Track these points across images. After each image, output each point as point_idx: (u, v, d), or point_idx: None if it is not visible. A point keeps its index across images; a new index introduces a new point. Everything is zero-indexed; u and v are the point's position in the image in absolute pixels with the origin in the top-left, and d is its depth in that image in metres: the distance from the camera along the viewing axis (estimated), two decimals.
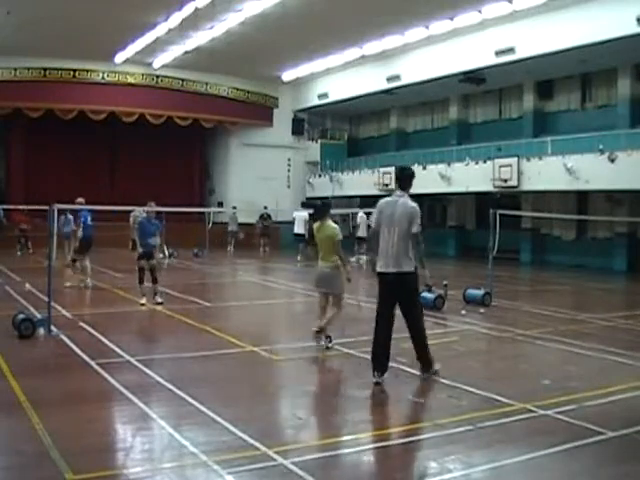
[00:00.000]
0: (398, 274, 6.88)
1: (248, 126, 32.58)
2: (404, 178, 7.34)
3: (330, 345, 8.65)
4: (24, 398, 6.13)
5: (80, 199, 14.70)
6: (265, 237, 27.03)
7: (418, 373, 7.24)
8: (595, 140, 20.85)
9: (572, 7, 19.68)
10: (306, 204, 26.57)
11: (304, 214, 23.76)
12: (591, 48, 19.68)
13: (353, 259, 22.16)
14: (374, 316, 7.20)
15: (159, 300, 12.50)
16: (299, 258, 23.07)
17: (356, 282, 18.38)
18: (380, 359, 7.00)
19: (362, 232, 23.32)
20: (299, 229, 23.66)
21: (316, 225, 8.97)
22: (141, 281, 12.61)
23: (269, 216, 27.39)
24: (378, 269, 7.02)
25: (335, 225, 8.88)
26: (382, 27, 22.71)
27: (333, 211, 9.50)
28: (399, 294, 7.02)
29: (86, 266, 14.90)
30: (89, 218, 14.83)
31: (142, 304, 12.26)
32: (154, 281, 12.59)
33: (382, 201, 7.24)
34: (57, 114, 28.28)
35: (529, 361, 8.59)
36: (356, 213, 24.18)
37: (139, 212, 16.95)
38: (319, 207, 9.23)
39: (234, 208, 27.58)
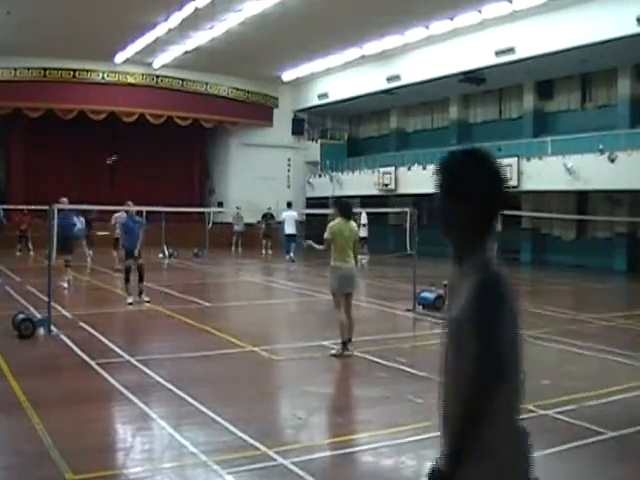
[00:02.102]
0: None
1: (248, 126, 32.56)
2: None
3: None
4: (24, 398, 6.13)
5: (64, 199, 14.02)
6: (268, 238, 26.92)
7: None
8: (595, 140, 20.83)
9: (572, 7, 19.66)
10: (291, 204, 26.39)
11: (293, 213, 23.68)
12: (591, 48, 19.66)
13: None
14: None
15: (146, 299, 12.57)
16: (288, 258, 22.97)
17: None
18: None
19: (363, 232, 23.29)
20: (290, 229, 23.52)
21: (339, 223, 8.55)
22: (127, 280, 12.67)
23: (272, 216, 27.32)
24: None
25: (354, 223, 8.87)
26: (382, 27, 22.70)
27: (332, 211, 9.48)
28: None
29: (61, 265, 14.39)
30: (70, 220, 14.62)
31: (129, 303, 12.32)
32: (140, 280, 12.65)
33: None
34: (57, 114, 28.25)
35: (529, 361, 8.51)
36: (358, 213, 24.13)
37: (120, 214, 17.04)
38: (347, 205, 8.98)
39: (238, 208, 27.55)
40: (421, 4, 20.21)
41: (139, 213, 14.02)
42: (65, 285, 14.29)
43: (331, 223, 8.68)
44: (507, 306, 2.03)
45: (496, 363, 1.96)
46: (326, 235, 8.55)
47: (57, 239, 13.56)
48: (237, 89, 31.48)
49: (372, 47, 25.17)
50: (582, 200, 23.52)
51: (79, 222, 16.51)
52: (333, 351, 8.35)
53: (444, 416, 2.11)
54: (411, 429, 5.49)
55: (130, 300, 12.36)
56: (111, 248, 18.58)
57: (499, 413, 2.00)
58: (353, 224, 8.79)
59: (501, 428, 2.02)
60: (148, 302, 12.49)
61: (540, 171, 21.96)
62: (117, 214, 17.72)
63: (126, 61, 28.08)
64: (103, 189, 29.87)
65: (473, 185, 2.08)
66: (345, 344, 8.27)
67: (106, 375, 7.08)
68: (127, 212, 13.30)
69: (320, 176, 32.59)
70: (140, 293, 12.68)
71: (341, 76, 29.44)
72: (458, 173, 2.12)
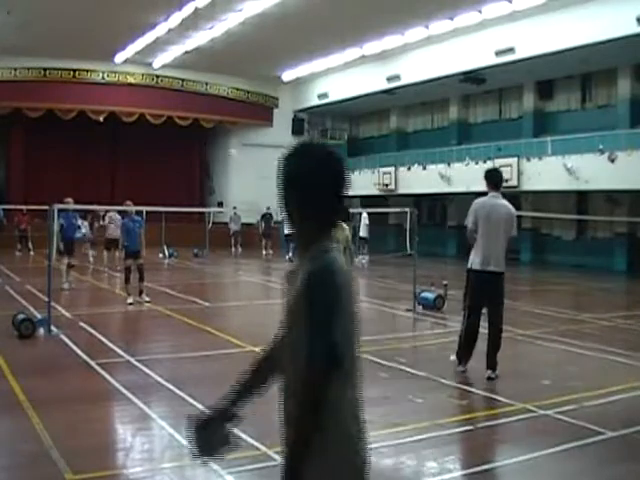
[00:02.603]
0: (496, 273, 7.20)
1: (248, 126, 32.56)
2: (495, 178, 7.52)
3: None
4: (24, 398, 6.12)
5: (69, 199, 14.10)
6: (268, 238, 26.80)
7: (488, 372, 7.14)
8: (595, 140, 20.84)
9: (572, 7, 19.67)
10: None
11: None
12: (591, 48, 19.67)
13: (356, 260, 22.14)
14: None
15: (146, 298, 12.57)
16: (289, 257, 22.94)
17: (355, 283, 18.37)
18: (469, 350, 7.29)
19: (364, 232, 23.28)
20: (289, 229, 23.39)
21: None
22: (127, 280, 12.64)
23: (271, 216, 27.27)
24: (475, 267, 7.24)
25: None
26: (382, 27, 22.70)
27: None
28: (492, 292, 7.29)
29: (61, 269, 14.13)
30: (73, 220, 14.42)
31: (130, 303, 12.30)
32: (141, 279, 12.63)
33: (478, 201, 7.45)
34: (57, 114, 28.26)
35: (529, 361, 8.59)
36: (359, 213, 24.12)
37: (114, 213, 17.04)
38: (346, 207, 8.71)
39: (234, 208, 27.56)
40: (421, 4, 20.22)
41: (138, 213, 14.00)
42: (66, 287, 14.15)
43: None
44: (339, 300, 1.99)
45: (326, 358, 1.92)
46: None
47: (60, 240, 13.58)
48: (237, 89, 31.48)
49: (372, 47, 25.18)
50: (582, 200, 23.53)
51: (83, 226, 16.45)
52: None
53: (285, 410, 2.07)
54: (411, 429, 5.48)
55: (130, 300, 12.36)
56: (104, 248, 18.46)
57: (339, 409, 1.98)
58: (345, 227, 8.37)
59: (342, 425, 1.99)
60: (148, 302, 12.48)
61: (540, 171, 21.97)
62: (110, 213, 17.71)
63: (126, 61, 28.10)
64: (103, 189, 29.89)
65: (307, 178, 2.09)
66: None
67: (106, 375, 7.08)
68: (125, 212, 13.32)
69: None
70: (140, 293, 12.66)
71: (341, 76, 29.45)
72: (294, 166, 2.13)
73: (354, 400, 2.06)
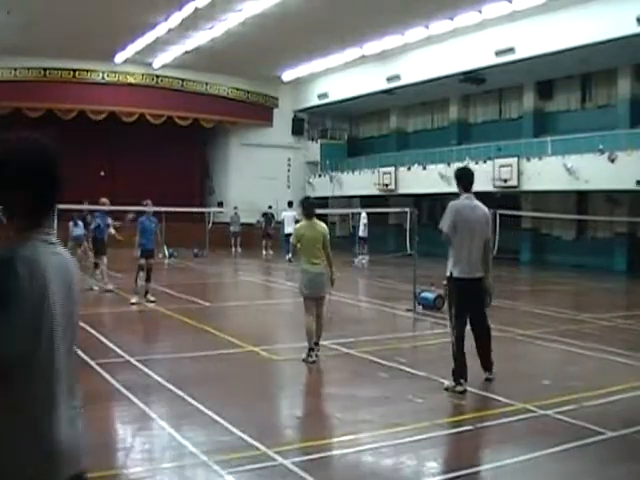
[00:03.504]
0: (478, 279, 6.85)
1: (248, 126, 32.56)
2: (469, 178, 7.01)
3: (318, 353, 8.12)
4: None
5: (104, 199, 14.65)
6: (268, 238, 26.72)
7: (486, 374, 7.04)
8: (595, 140, 20.85)
9: (572, 7, 19.67)
10: (292, 203, 25.94)
11: (292, 213, 23.59)
12: (591, 48, 19.67)
13: (356, 260, 22.15)
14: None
15: (152, 298, 12.63)
16: (288, 257, 22.91)
17: (355, 283, 18.38)
18: (465, 364, 6.81)
19: (363, 232, 23.26)
20: (289, 229, 23.40)
21: (304, 224, 8.11)
22: (138, 279, 12.71)
23: (272, 216, 27.24)
24: (457, 275, 6.81)
25: (322, 223, 8.32)
26: (382, 27, 22.70)
27: (334, 211, 9.40)
28: (476, 297, 6.93)
29: (102, 269, 14.47)
30: (107, 220, 14.52)
31: (133, 303, 12.35)
32: (148, 279, 12.73)
33: (457, 204, 6.91)
34: (57, 114, 28.25)
35: (529, 361, 8.59)
36: (358, 213, 24.13)
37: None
38: (310, 204, 8.30)
39: (235, 208, 27.56)
40: (421, 4, 20.22)
41: (140, 212, 14.05)
42: (110, 287, 14.14)
43: (296, 226, 8.42)
44: (7, 295, 1.85)
45: None
46: (292, 241, 8.18)
47: (93, 239, 14.19)
48: (237, 89, 31.48)
49: (372, 47, 25.18)
50: (582, 200, 23.54)
51: (79, 226, 16.50)
52: (303, 355, 7.97)
53: None
54: (411, 429, 5.49)
55: (134, 300, 12.38)
56: (112, 247, 18.28)
57: (24, 409, 1.89)
58: (319, 223, 8.16)
59: (28, 425, 1.90)
60: (154, 302, 12.48)
61: (540, 171, 21.97)
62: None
63: (126, 61, 28.10)
64: (103, 189, 29.83)
65: (7, 170, 2.10)
66: (312, 350, 7.92)
67: (106, 375, 7.08)
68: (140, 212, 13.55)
69: (320, 176, 32.59)
70: (146, 293, 12.71)
71: (341, 76, 29.45)
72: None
73: (49, 400, 1.98)
